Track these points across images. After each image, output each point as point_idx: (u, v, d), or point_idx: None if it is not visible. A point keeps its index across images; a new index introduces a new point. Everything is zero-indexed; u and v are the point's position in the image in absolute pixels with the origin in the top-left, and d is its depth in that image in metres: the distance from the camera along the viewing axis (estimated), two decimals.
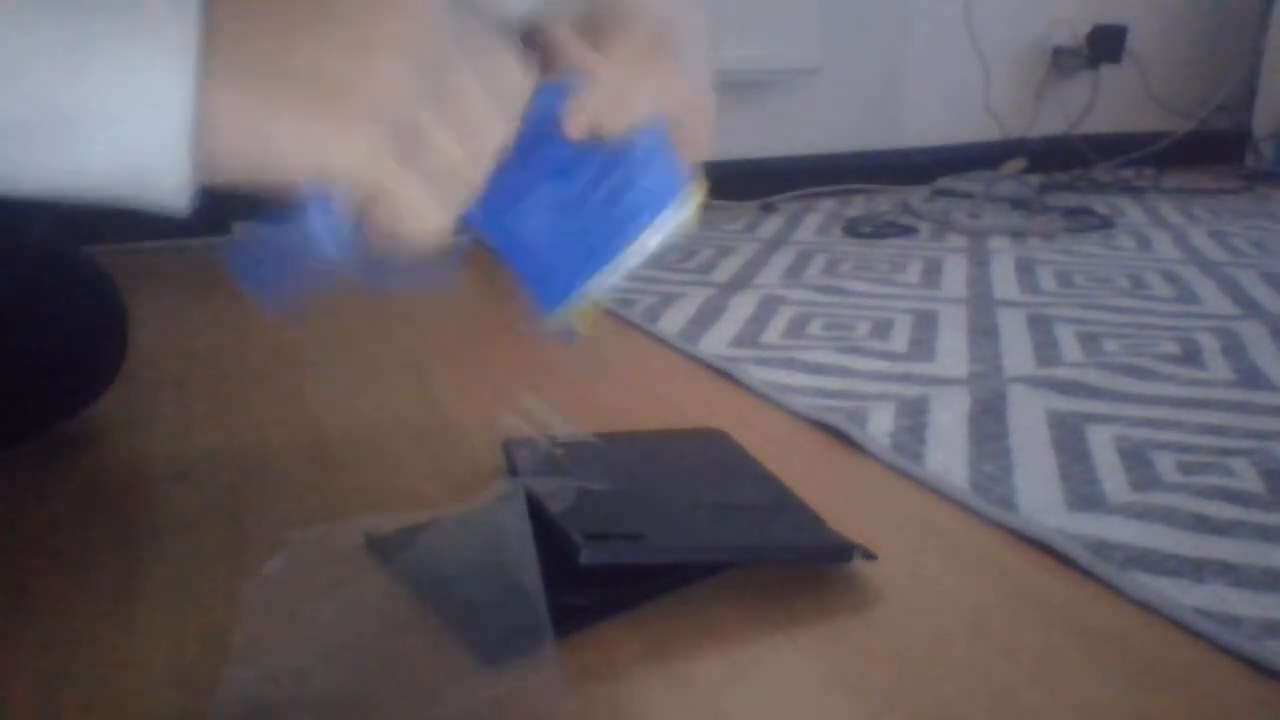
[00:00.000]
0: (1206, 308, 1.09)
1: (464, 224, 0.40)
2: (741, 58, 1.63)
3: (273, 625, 0.49)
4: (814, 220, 1.61)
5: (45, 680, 0.48)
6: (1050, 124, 2.02)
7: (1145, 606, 0.54)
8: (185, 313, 1.09)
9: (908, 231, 1.51)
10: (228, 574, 0.57)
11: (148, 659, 0.49)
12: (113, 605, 0.54)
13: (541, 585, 0.49)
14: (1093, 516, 0.62)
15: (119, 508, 0.66)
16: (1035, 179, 1.85)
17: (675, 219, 0.45)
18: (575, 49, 0.43)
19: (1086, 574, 0.57)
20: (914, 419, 0.78)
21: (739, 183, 1.69)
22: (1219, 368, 0.90)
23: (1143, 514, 0.63)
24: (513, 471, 0.62)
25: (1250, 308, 1.09)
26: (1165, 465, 0.70)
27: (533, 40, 0.43)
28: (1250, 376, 0.87)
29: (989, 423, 0.77)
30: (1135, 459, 0.71)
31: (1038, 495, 0.65)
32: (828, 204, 1.74)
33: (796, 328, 1.03)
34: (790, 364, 0.91)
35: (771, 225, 1.57)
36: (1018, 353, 0.95)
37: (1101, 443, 0.73)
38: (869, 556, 0.56)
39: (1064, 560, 0.58)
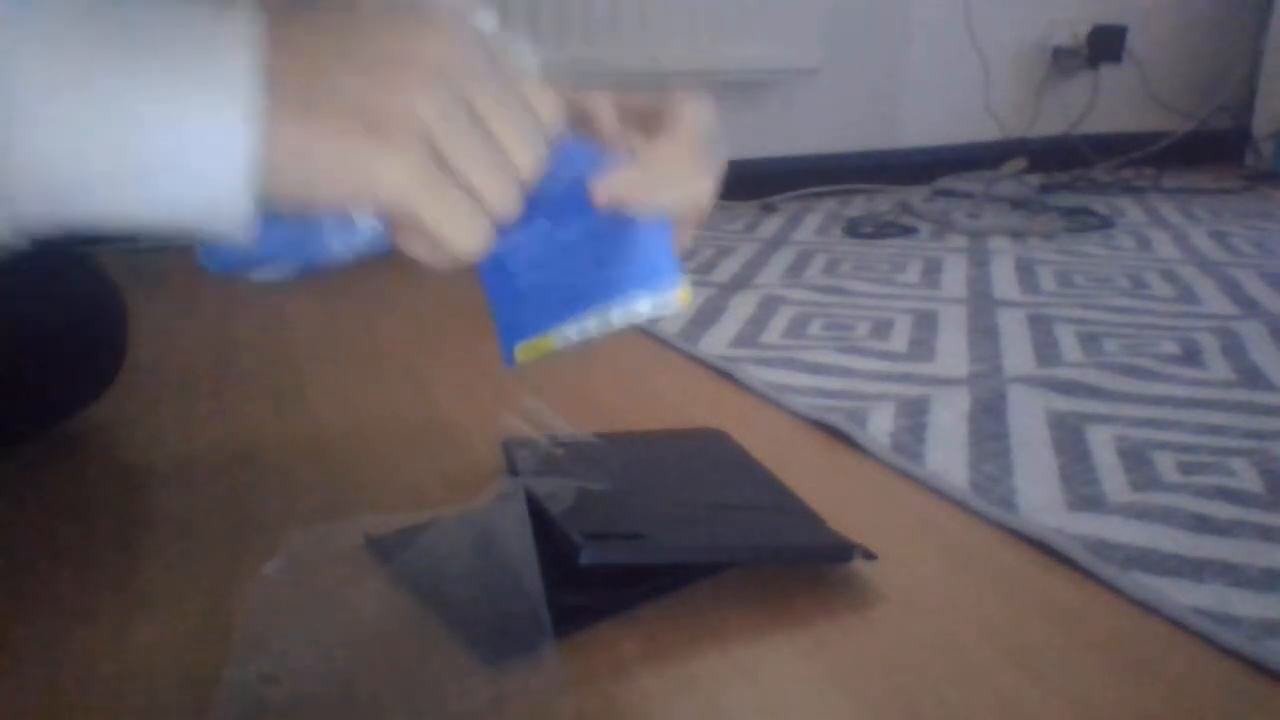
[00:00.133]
0: (1206, 308, 1.09)
1: None
2: (741, 58, 1.63)
3: (273, 625, 0.49)
4: (814, 220, 1.61)
5: (45, 680, 0.48)
6: (1050, 124, 2.02)
7: (1145, 606, 0.54)
8: (185, 313, 1.09)
9: (908, 231, 1.51)
10: (228, 574, 0.57)
11: (148, 659, 0.49)
12: (113, 605, 0.54)
13: (541, 585, 0.49)
14: (1093, 516, 0.62)
15: (119, 508, 0.66)
16: (1035, 179, 1.85)
17: (655, 304, 0.46)
18: (626, 129, 0.46)
19: (1086, 574, 0.57)
20: (914, 419, 0.78)
21: (739, 183, 1.67)
22: (1219, 368, 0.90)
23: (1143, 514, 0.63)
24: (513, 471, 0.62)
25: (1250, 308, 1.09)
26: (1165, 465, 0.70)
27: (575, 112, 0.46)
28: (1250, 376, 0.87)
29: (989, 423, 0.77)
30: (1135, 459, 0.71)
31: (1038, 495, 0.65)
32: (828, 204, 1.74)
33: (796, 328, 1.03)
34: (790, 364, 0.91)
35: (771, 225, 1.57)
36: (1018, 353, 0.95)
37: (1101, 443, 0.73)
38: (869, 556, 0.56)
39: (1064, 560, 0.58)
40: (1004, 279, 1.23)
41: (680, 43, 1.58)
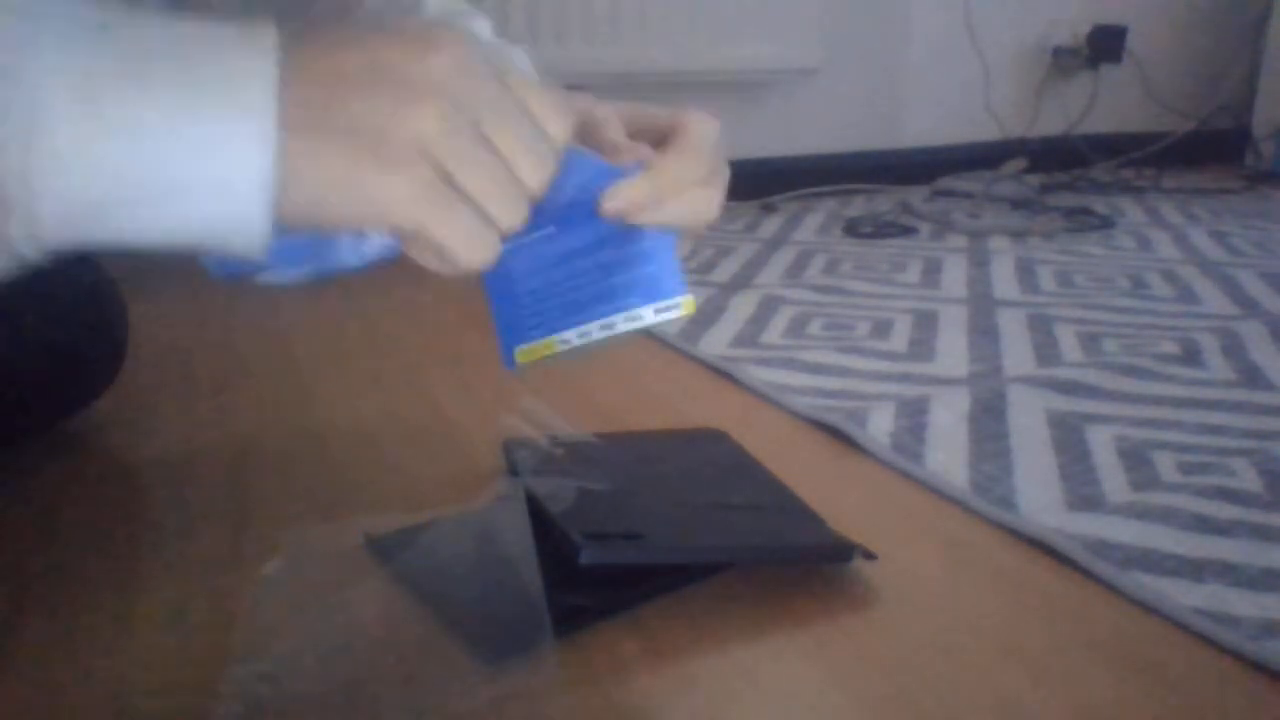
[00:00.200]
0: (1206, 308, 1.09)
1: None
2: (741, 58, 1.64)
3: (272, 625, 0.49)
4: (814, 220, 1.61)
5: (45, 679, 0.48)
6: (1050, 124, 2.02)
7: (1145, 606, 0.54)
8: (185, 312, 1.09)
9: (908, 231, 1.51)
10: (228, 574, 0.57)
11: (148, 659, 0.49)
12: (113, 604, 0.54)
13: (541, 585, 0.50)
14: (1092, 516, 0.62)
15: (119, 508, 0.66)
16: (1035, 179, 1.85)
17: (658, 314, 0.46)
18: (638, 144, 0.46)
19: (1086, 574, 0.57)
20: (914, 419, 0.78)
21: (739, 183, 1.65)
22: (1219, 368, 0.90)
23: (1143, 514, 0.63)
24: (513, 471, 0.62)
25: (1250, 308, 1.09)
26: (1165, 465, 0.70)
27: (583, 122, 0.46)
28: (1250, 376, 0.87)
29: (989, 423, 0.77)
30: (1135, 459, 0.71)
31: (1037, 495, 0.65)
32: (828, 204, 1.74)
33: (796, 328, 1.03)
34: (790, 364, 0.91)
35: (771, 225, 1.57)
36: (1018, 353, 0.95)
37: (1101, 443, 0.73)
38: (869, 556, 0.56)
39: (1064, 560, 0.58)
40: (1004, 279, 1.23)
41: (680, 43, 1.58)
